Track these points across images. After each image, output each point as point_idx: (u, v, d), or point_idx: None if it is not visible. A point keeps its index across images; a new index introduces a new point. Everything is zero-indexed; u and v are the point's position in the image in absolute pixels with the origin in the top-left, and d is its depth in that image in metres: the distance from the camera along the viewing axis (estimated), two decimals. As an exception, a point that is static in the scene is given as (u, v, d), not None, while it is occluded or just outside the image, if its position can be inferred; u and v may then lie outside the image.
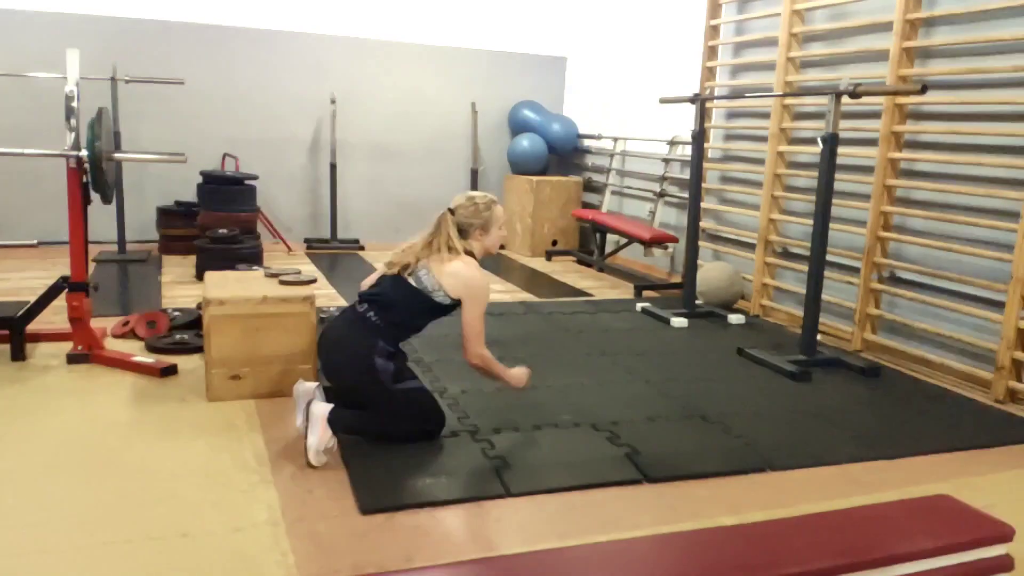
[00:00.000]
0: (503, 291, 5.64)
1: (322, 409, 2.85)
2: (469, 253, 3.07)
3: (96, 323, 4.05)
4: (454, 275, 2.98)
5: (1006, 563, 2.06)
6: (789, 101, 5.32)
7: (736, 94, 5.99)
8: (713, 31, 6.02)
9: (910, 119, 4.54)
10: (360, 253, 7.49)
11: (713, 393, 3.77)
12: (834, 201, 4.22)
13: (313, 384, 3.05)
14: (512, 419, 3.28)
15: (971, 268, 4.17)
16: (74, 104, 3.76)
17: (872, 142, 4.66)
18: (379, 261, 6.98)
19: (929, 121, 4.47)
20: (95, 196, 3.89)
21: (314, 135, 7.68)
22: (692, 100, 5.21)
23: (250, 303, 3.40)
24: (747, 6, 5.83)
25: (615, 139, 7.49)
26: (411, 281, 3.00)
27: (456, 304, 3.02)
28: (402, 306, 3.00)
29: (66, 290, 3.80)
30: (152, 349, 4.04)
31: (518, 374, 3.16)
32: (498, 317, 4.99)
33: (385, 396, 2.95)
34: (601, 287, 6.38)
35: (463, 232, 3.08)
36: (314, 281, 3.72)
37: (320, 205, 7.77)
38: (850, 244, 4.84)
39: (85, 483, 2.63)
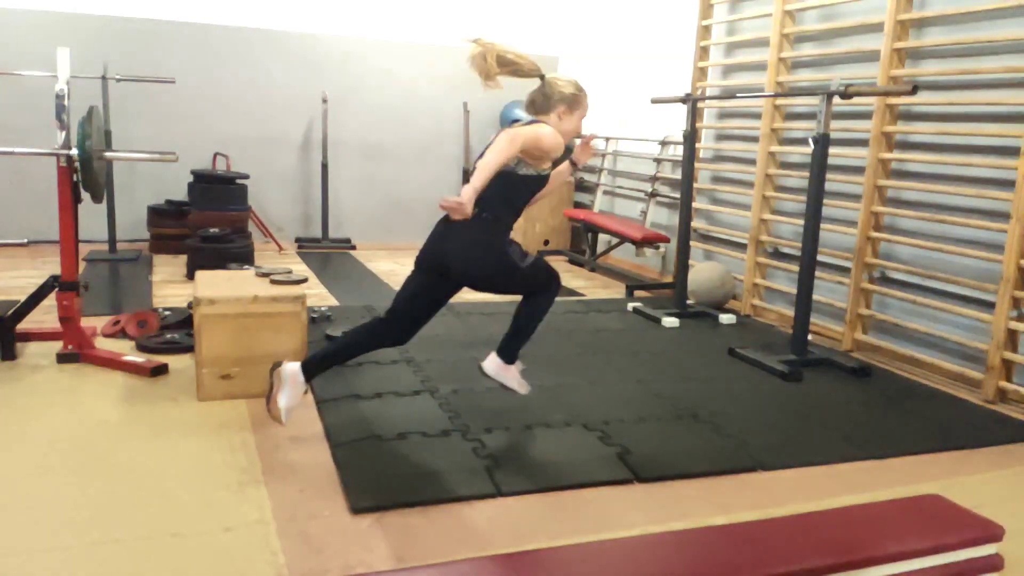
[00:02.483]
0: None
1: (494, 362, 3.14)
2: None
3: (86, 322, 4.03)
4: (519, 127, 2.87)
5: (996, 563, 2.07)
6: (780, 102, 5.33)
7: (727, 94, 6.00)
8: (705, 31, 6.03)
9: (901, 120, 4.55)
10: (352, 253, 7.48)
11: (704, 393, 3.78)
12: (825, 201, 4.23)
13: (296, 364, 3.03)
14: (503, 418, 3.28)
15: (961, 268, 4.19)
16: (65, 103, 3.74)
17: (863, 142, 4.68)
18: (371, 261, 7.02)
19: (920, 122, 4.48)
20: (85, 195, 3.88)
21: (305, 134, 7.67)
22: (683, 100, 5.21)
23: (241, 302, 3.39)
24: (738, 7, 5.84)
25: (607, 139, 7.49)
26: None
27: (544, 175, 2.97)
28: (497, 195, 2.87)
29: (56, 289, 3.79)
30: (143, 348, 4.03)
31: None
32: (489, 317, 4.98)
33: (520, 277, 2.98)
34: (592, 287, 6.39)
35: (546, 107, 3.02)
36: (305, 280, 3.71)
37: (311, 204, 7.76)
38: (841, 244, 4.85)
39: (75, 483, 2.62)
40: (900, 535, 2.01)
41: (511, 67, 2.98)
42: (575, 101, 3.04)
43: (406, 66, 7.87)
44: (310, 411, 3.30)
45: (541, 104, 3.04)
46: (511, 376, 3.19)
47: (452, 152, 8.18)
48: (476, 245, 2.90)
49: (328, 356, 3.11)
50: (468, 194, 2.64)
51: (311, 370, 3.03)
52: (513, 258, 2.96)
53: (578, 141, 3.37)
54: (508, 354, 3.16)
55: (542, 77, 3.04)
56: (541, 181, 3.00)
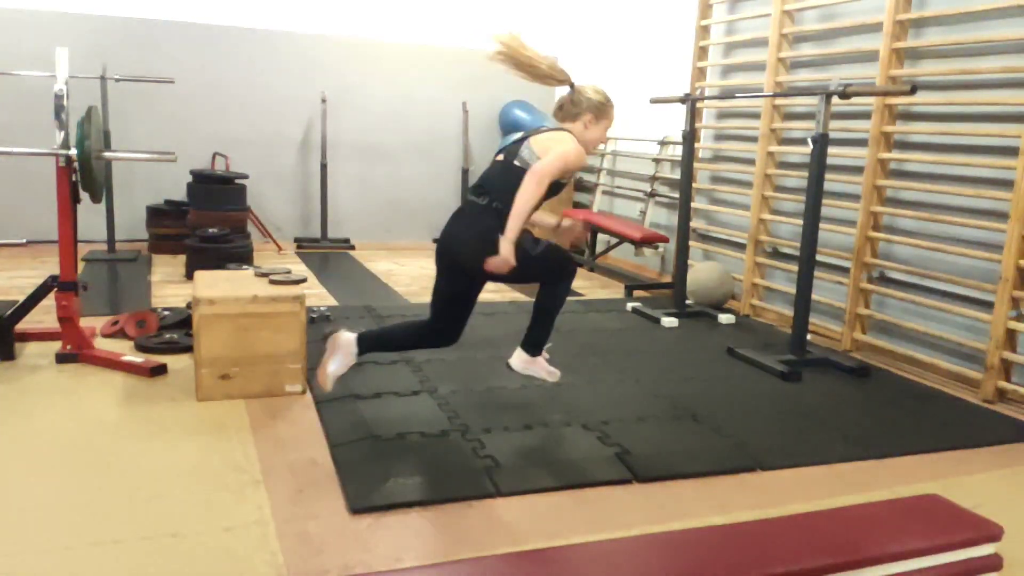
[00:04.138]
0: (493, 290, 5.64)
1: (520, 357, 3.17)
2: None
3: (85, 322, 4.03)
4: (549, 138, 2.99)
5: (994, 562, 2.07)
6: (779, 102, 5.33)
7: (726, 94, 6.00)
8: (704, 31, 6.03)
9: (900, 120, 4.56)
10: (350, 253, 7.47)
11: (703, 393, 3.78)
12: (824, 201, 4.23)
13: (353, 335, 3.15)
14: (502, 419, 3.28)
15: (960, 268, 4.19)
16: (63, 103, 3.74)
17: (862, 142, 4.68)
18: (370, 261, 7.02)
19: (918, 122, 4.49)
20: (84, 195, 3.88)
21: (304, 134, 7.67)
22: (683, 100, 5.21)
23: (240, 302, 3.39)
24: (737, 7, 5.84)
25: (605, 139, 7.49)
26: (516, 163, 2.97)
27: (562, 182, 3.02)
28: (511, 188, 2.90)
29: (55, 289, 3.79)
30: (142, 349, 4.03)
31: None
32: (489, 316, 4.98)
33: (533, 265, 3.00)
34: (592, 287, 6.39)
35: (573, 114, 3.10)
36: (304, 280, 3.71)
37: (310, 204, 7.76)
38: (840, 244, 4.85)
39: (74, 483, 2.62)
40: (899, 535, 2.01)
41: (545, 78, 3.12)
42: (602, 111, 3.12)
43: (406, 66, 7.87)
44: (310, 411, 3.30)
45: (569, 111, 3.13)
46: (539, 368, 3.23)
47: (451, 152, 8.17)
48: (486, 237, 2.90)
49: (382, 341, 3.26)
50: (507, 248, 2.80)
51: (365, 345, 3.16)
52: (524, 246, 2.97)
53: (568, 222, 3.44)
54: (532, 347, 3.19)
55: (571, 85, 3.11)
56: (557, 186, 3.05)
